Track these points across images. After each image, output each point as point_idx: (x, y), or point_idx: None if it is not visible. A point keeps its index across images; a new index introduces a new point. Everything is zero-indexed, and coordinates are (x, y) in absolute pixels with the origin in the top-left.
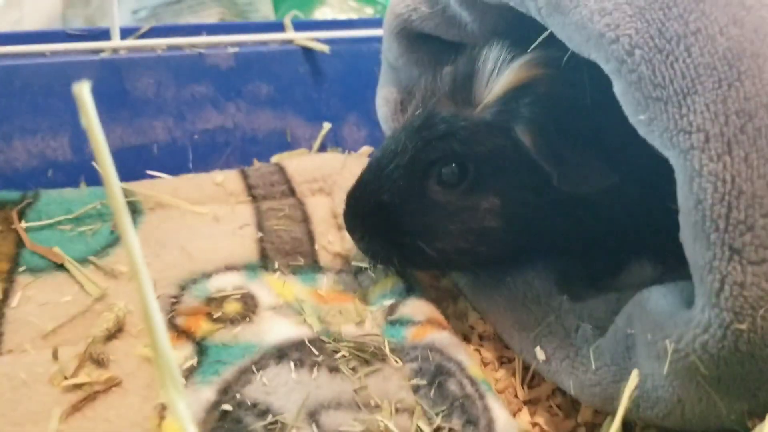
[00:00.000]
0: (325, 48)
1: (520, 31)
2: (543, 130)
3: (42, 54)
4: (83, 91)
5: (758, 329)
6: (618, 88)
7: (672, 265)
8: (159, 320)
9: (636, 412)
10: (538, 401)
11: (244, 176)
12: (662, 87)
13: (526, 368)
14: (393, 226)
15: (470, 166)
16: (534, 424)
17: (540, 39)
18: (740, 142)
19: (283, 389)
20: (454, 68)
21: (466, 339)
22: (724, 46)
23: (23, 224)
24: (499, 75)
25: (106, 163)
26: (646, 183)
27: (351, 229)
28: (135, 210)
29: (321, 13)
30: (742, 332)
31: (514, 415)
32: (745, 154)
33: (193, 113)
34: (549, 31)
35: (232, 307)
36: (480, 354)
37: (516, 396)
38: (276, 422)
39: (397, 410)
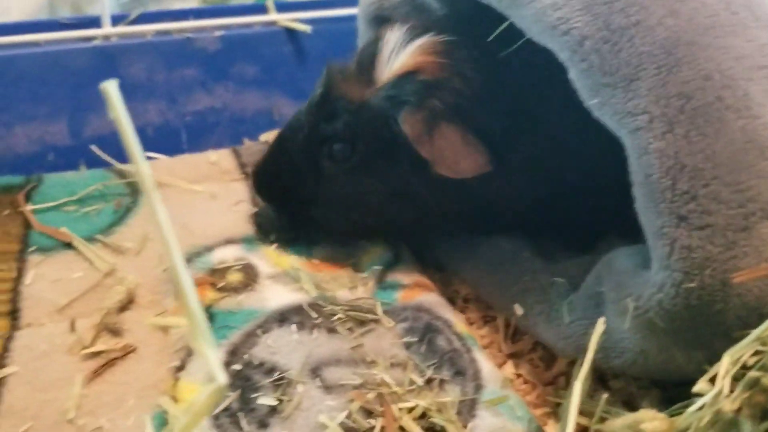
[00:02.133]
0: (307, 28)
1: (487, 14)
2: (422, 119)
3: (37, 43)
4: (110, 87)
5: (706, 287)
6: (572, 75)
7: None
8: (188, 280)
9: (606, 361)
10: (520, 355)
11: (237, 155)
12: (610, 74)
13: (507, 325)
14: (293, 196)
15: (358, 146)
16: (518, 375)
17: (499, 29)
18: (680, 121)
19: (286, 349)
20: (361, 47)
21: (452, 302)
22: (663, 35)
23: (29, 207)
24: (395, 57)
25: (135, 152)
26: (593, 164)
27: (260, 192)
28: (136, 190)
29: None
30: (692, 290)
31: (499, 367)
32: (685, 131)
33: (184, 96)
34: (508, 21)
35: (234, 277)
36: (465, 315)
37: (500, 350)
38: (282, 378)
39: (391, 365)
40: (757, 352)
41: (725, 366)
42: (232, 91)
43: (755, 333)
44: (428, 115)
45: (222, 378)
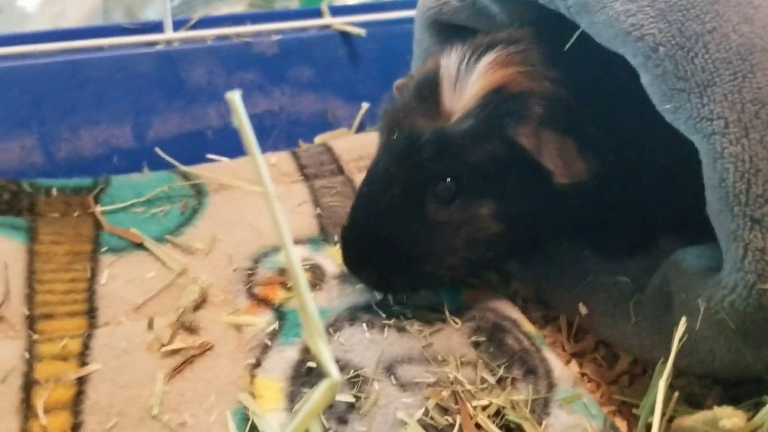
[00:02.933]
0: (361, 31)
1: (549, 17)
2: (533, 129)
3: (101, 48)
4: (236, 97)
5: None
6: (645, 80)
7: (696, 238)
8: (304, 282)
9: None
10: (583, 354)
11: (296, 157)
12: (685, 79)
13: (569, 325)
14: (400, 257)
15: (464, 178)
16: (582, 374)
17: (573, 38)
18: (755, 126)
19: (359, 347)
20: (416, 80)
21: (512, 302)
22: (737, 42)
23: (99, 208)
24: (466, 79)
25: (258, 159)
26: (658, 165)
27: (356, 271)
28: (200, 191)
29: None
30: (765, 291)
31: None
32: (760, 136)
33: (243, 99)
34: (581, 29)
35: None
36: (525, 315)
37: (564, 349)
38: (358, 376)
39: (462, 364)
40: None
41: None
42: (289, 95)
43: None
44: (536, 125)
45: (336, 373)
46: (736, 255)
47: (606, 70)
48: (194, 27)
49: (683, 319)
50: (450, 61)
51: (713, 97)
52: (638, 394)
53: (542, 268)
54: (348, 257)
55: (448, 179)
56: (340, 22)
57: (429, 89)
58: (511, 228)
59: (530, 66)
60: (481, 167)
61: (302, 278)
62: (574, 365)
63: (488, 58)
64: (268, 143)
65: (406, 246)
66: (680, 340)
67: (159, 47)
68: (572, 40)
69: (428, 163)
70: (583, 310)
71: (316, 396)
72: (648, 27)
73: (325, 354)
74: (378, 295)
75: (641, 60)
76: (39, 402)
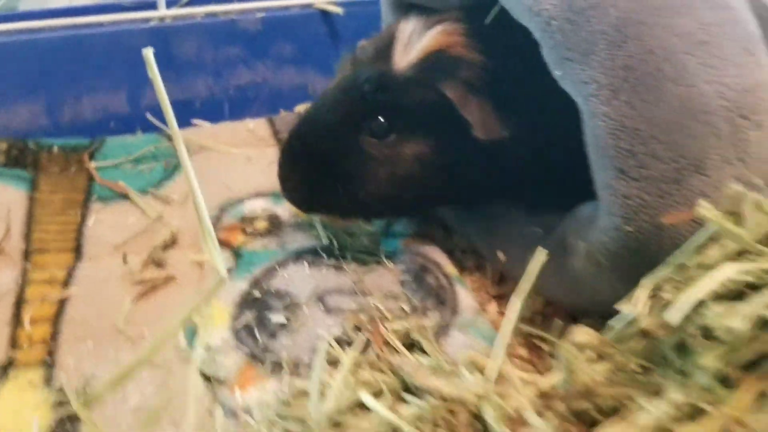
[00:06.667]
0: (339, 10)
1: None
2: (464, 86)
3: (101, 24)
4: (149, 53)
5: (642, 230)
6: (544, 51)
7: None
8: (200, 197)
9: (570, 300)
10: (505, 296)
11: (272, 124)
12: (571, 50)
13: (494, 271)
14: (328, 174)
15: (396, 118)
16: (501, 313)
17: (492, 14)
18: (624, 89)
19: (298, 280)
20: (375, 40)
21: (451, 252)
22: (615, 15)
23: (93, 164)
24: (416, 42)
25: (165, 104)
26: (567, 128)
27: (285, 177)
28: None
29: None
30: (630, 233)
31: (485, 306)
32: (628, 98)
33: (228, 72)
34: (499, 5)
35: (261, 225)
36: (461, 263)
37: (487, 292)
38: (292, 302)
39: (386, 296)
40: (671, 280)
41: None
42: (271, 68)
43: (671, 261)
44: (463, 84)
45: (223, 271)
46: (607, 201)
47: (523, 44)
48: (185, 5)
49: (540, 249)
50: (407, 26)
51: (591, 64)
52: (547, 329)
53: (477, 223)
54: (282, 169)
55: (383, 117)
56: (320, 2)
57: (384, 46)
58: (432, 173)
59: (468, 38)
60: (412, 111)
61: (199, 195)
62: (494, 305)
63: (437, 28)
64: (250, 112)
65: (335, 167)
66: (572, 280)
67: (153, 23)
68: (491, 16)
69: (368, 96)
70: (501, 256)
71: (207, 289)
72: (545, 3)
73: (216, 255)
74: (324, 240)
75: (540, 33)
76: (26, 316)
